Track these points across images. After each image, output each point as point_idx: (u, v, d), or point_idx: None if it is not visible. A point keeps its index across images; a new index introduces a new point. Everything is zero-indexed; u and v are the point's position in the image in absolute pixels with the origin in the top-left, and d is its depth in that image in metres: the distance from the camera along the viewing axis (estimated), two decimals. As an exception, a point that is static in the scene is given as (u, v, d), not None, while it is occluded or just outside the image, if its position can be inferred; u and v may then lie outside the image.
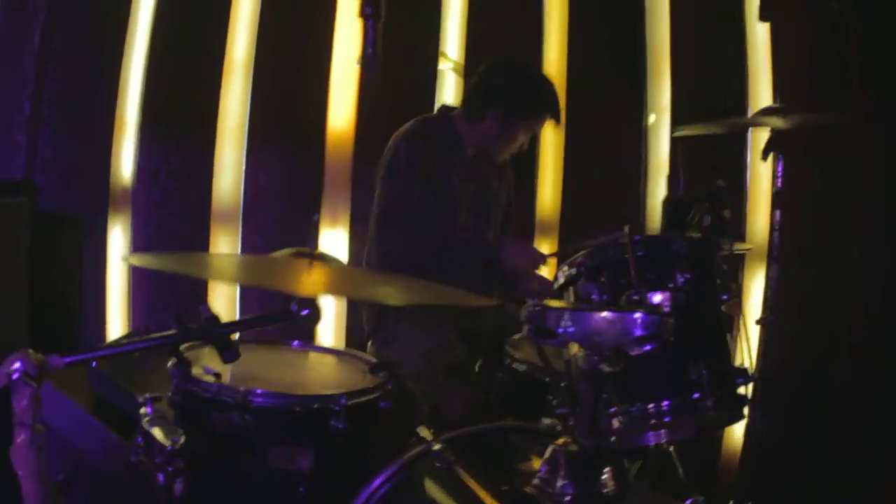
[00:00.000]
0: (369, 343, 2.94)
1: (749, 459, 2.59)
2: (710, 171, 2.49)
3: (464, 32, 3.49)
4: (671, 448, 2.78)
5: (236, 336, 2.13)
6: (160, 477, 1.93)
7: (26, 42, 3.19)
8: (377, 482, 2.08)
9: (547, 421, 2.10)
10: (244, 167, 3.34)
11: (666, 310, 1.81)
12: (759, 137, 3.43)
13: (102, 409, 2.62)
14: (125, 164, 3.27)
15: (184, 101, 3.32)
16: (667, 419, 1.99)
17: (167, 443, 1.92)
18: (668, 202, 2.23)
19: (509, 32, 3.45)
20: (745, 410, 2.14)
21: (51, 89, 3.22)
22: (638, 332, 1.78)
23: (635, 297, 1.88)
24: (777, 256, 2.59)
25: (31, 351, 1.70)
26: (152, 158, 3.31)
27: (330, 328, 3.41)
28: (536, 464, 1.93)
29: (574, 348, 1.89)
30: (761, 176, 3.41)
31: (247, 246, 3.30)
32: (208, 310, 2.01)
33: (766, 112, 2.58)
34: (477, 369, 2.74)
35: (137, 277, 3.30)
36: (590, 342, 1.79)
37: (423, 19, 3.47)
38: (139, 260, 2.65)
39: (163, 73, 3.30)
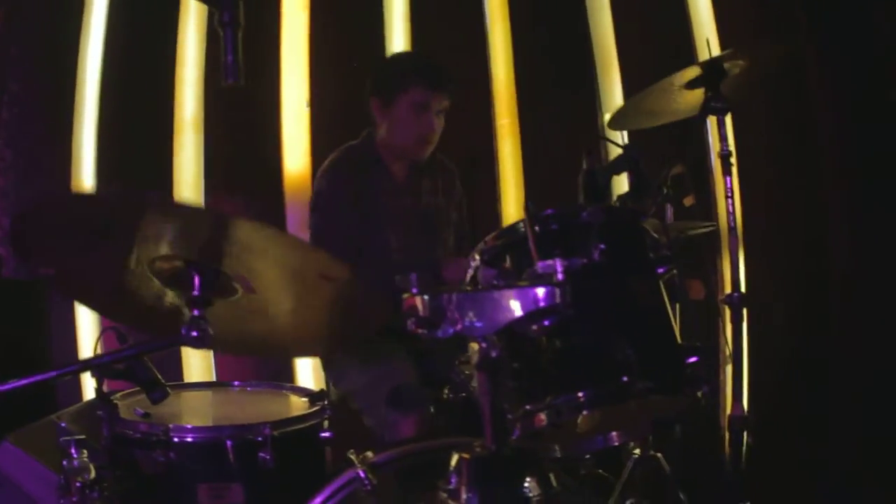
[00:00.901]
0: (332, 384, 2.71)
1: (734, 454, 2.23)
2: (670, 156, 2.21)
3: (409, 60, 3.30)
4: (659, 454, 2.45)
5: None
6: (80, 519, 1.77)
7: (-25, 113, 3.12)
8: (305, 512, 1.86)
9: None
10: (203, 220, 3.17)
11: (559, 277, 1.53)
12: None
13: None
14: (83, 229, 3.13)
15: (138, 160, 3.18)
16: (598, 408, 1.68)
17: (79, 479, 1.85)
18: (584, 174, 1.95)
19: (454, 54, 3.24)
20: (699, 394, 1.82)
21: (4, 159, 3.11)
22: (528, 307, 1.49)
23: (532, 275, 1.60)
24: (735, 227, 2.26)
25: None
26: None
27: (308, 373, 3.17)
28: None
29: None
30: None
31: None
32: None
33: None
34: (444, 396, 2.48)
35: (110, 339, 3.11)
36: (478, 327, 1.51)
37: (367, 53, 3.26)
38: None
39: (115, 137, 3.17)
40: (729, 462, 2.34)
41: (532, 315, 1.49)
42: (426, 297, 1.49)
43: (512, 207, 3.25)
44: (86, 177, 3.15)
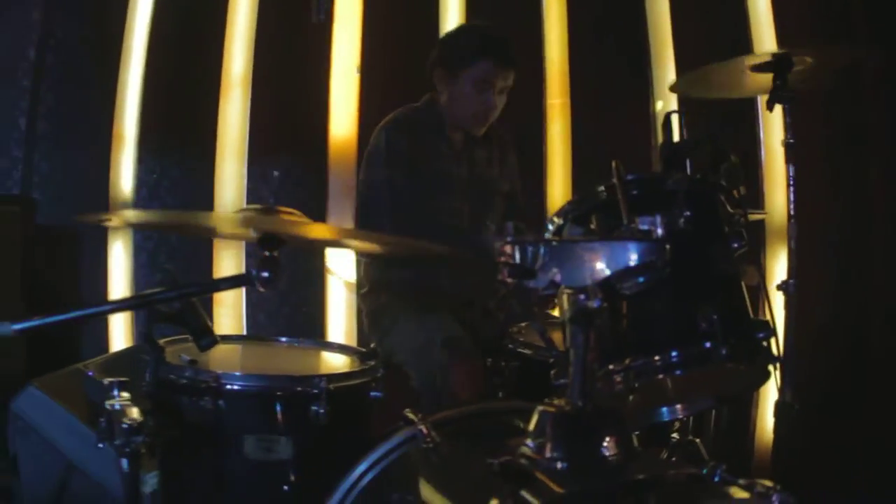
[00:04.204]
0: (373, 345, 2.66)
1: (781, 443, 2.20)
2: (720, 133, 2.19)
3: (462, 31, 3.25)
4: (697, 439, 2.43)
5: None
6: (123, 462, 1.69)
7: (21, 58, 3.05)
8: (360, 469, 1.79)
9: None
10: (245, 180, 3.13)
11: (659, 235, 1.49)
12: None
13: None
14: (124, 178, 3.07)
15: (182, 115, 3.13)
16: (676, 373, 1.65)
17: (125, 421, 1.68)
18: (663, 146, 1.91)
19: (509, 31, 3.20)
20: (771, 368, 1.79)
21: (47, 104, 3.07)
22: (627, 262, 1.46)
23: (626, 232, 1.57)
24: (794, 215, 2.24)
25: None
26: (151, 172, 3.12)
27: (340, 337, 3.13)
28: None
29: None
30: (776, 153, 3.09)
31: (251, 258, 3.06)
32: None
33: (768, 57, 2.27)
34: (487, 366, 2.45)
35: (141, 289, 3.06)
36: (574, 279, 1.47)
37: (421, 23, 3.25)
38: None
39: (160, 87, 3.12)
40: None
41: (630, 271, 1.46)
42: (524, 243, 1.45)
43: (558, 187, 3.22)
44: (129, 126, 3.10)
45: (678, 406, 1.86)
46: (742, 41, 3.24)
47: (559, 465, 1.47)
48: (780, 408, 2.26)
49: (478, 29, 2.66)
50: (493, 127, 2.69)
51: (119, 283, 3.08)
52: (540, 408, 1.53)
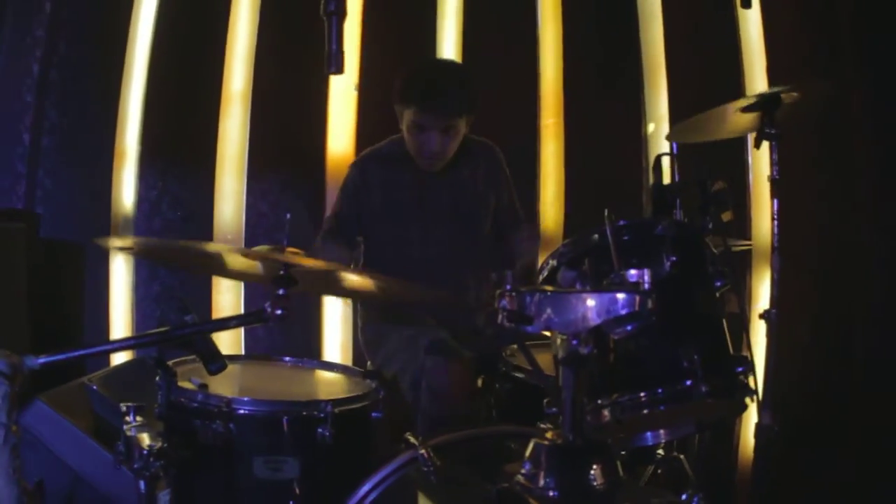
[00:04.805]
0: (368, 363, 2.85)
1: (761, 464, 2.41)
2: (709, 173, 2.37)
3: (460, 51, 3.43)
4: (681, 455, 2.64)
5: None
6: (141, 484, 1.88)
7: (25, 75, 3.20)
8: (364, 490, 1.99)
9: (541, 425, 2.00)
10: (245, 195, 3.29)
11: (646, 286, 1.69)
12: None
13: (104, 432, 2.55)
14: (126, 193, 3.24)
15: (183, 131, 3.30)
16: (660, 408, 1.85)
17: (144, 446, 1.88)
18: (653, 188, 2.11)
19: (504, 51, 3.40)
20: (748, 401, 2.00)
21: (50, 120, 3.22)
22: (617, 312, 1.66)
23: (616, 280, 1.76)
24: (778, 247, 2.44)
25: (5, 351, 1.61)
26: (153, 188, 3.28)
27: (336, 349, 3.31)
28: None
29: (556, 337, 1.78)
30: (764, 179, 3.26)
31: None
32: (192, 318, 1.95)
33: (756, 98, 2.45)
34: (480, 384, 2.65)
35: (142, 304, 3.25)
36: (567, 325, 1.67)
37: (418, 42, 3.43)
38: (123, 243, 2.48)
39: (161, 103, 3.27)
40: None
41: (619, 319, 1.65)
42: (522, 293, 1.64)
43: (551, 207, 3.39)
44: (130, 142, 3.26)
45: (661, 431, 2.06)
46: (733, 64, 3.42)
47: (551, 493, 1.68)
48: (759, 430, 2.47)
49: (414, 71, 2.72)
50: (480, 142, 2.84)
51: (121, 296, 3.24)
52: (535, 439, 1.74)
